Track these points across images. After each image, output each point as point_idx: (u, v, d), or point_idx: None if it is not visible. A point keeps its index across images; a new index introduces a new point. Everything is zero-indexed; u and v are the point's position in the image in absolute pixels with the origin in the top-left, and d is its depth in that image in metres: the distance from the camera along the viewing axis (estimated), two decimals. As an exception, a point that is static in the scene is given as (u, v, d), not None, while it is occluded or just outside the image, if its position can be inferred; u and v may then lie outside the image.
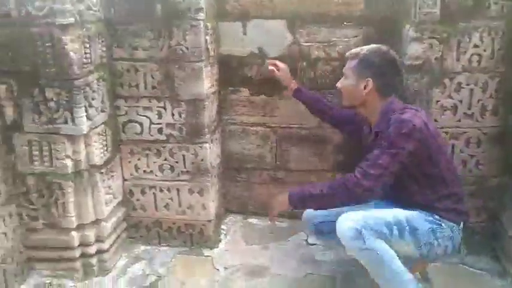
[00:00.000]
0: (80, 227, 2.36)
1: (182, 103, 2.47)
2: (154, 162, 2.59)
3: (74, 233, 2.34)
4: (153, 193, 2.65)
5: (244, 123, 2.85)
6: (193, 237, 2.70)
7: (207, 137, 2.53)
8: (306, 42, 2.65)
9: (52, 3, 1.99)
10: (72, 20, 2.03)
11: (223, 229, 2.87)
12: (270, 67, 2.53)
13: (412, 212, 1.91)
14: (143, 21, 2.33)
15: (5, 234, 2.22)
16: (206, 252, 2.65)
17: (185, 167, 2.59)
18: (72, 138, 2.20)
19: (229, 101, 2.79)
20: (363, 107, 2.03)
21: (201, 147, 2.54)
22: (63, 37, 2.03)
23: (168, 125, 2.52)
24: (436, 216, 1.90)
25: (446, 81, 2.35)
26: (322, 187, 1.92)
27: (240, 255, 2.60)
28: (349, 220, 1.82)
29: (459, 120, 2.40)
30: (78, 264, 2.39)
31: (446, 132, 2.40)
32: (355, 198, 1.85)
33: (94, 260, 2.42)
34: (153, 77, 2.43)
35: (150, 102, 2.48)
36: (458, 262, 2.44)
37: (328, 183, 1.94)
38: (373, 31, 2.60)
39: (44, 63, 2.08)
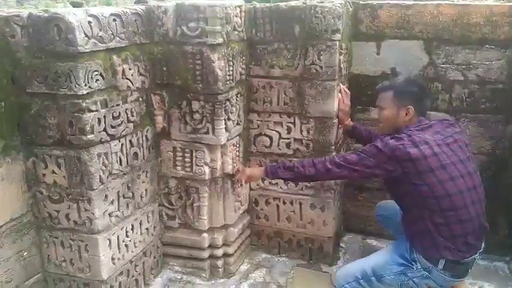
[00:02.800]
0: (210, 230, 2.55)
1: (311, 120, 2.54)
2: (280, 175, 2.70)
3: (205, 235, 2.53)
4: (277, 204, 2.76)
5: (370, 143, 2.83)
6: (312, 252, 2.75)
7: (333, 154, 2.57)
8: (443, 64, 2.58)
9: (204, 25, 2.19)
10: (220, 40, 2.21)
11: (342, 247, 2.88)
12: (339, 94, 2.52)
13: (387, 257, 2.11)
14: (281, 41, 2.45)
15: (147, 229, 2.47)
16: (324, 268, 2.68)
17: (309, 182, 2.65)
18: (211, 148, 2.39)
19: (356, 120, 2.79)
20: (399, 131, 2.11)
21: (326, 163, 2.58)
22: (211, 55, 2.22)
23: (296, 140, 2.61)
24: (414, 255, 2.02)
25: None
26: (295, 162, 2.22)
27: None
28: (340, 278, 2.20)
29: None
30: (206, 264, 2.57)
31: None
32: (318, 175, 2.16)
33: (220, 262, 2.59)
34: (285, 94, 2.54)
35: (280, 117, 2.60)
36: None
37: (301, 160, 2.29)
38: (519, 54, 2.44)
39: (193, 79, 2.29)
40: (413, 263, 2.03)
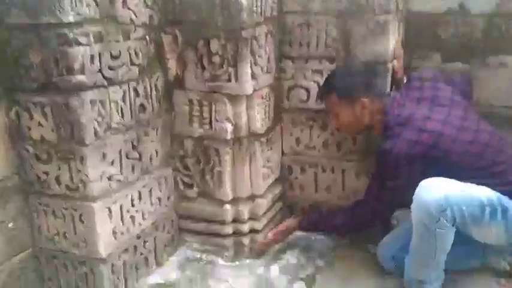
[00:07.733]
0: (234, 201, 2.13)
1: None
2: (318, 136, 2.26)
3: (227, 206, 2.12)
4: (314, 172, 2.32)
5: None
6: (357, 229, 2.30)
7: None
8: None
9: None
10: (245, -42, 1.75)
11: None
12: None
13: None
14: (322, -34, 1.98)
15: (159, 199, 2.07)
16: (371, 248, 2.22)
17: (354, 145, 2.21)
18: (234, 99, 1.96)
19: (413, 68, 2.30)
20: (370, 126, 2.00)
21: (377, 122, 2.11)
22: (234, -21, 1.77)
23: (339, 92, 2.14)
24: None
25: None
26: (338, 219, 2.06)
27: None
28: (441, 191, 1.66)
29: None
30: (229, 241, 2.17)
31: None
32: (371, 226, 2.09)
33: (246, 240, 2.18)
34: (327, 34, 2.08)
35: (320, 63, 2.14)
36: None
37: (343, 214, 2.05)
38: None
39: (212, 11, 1.85)
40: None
